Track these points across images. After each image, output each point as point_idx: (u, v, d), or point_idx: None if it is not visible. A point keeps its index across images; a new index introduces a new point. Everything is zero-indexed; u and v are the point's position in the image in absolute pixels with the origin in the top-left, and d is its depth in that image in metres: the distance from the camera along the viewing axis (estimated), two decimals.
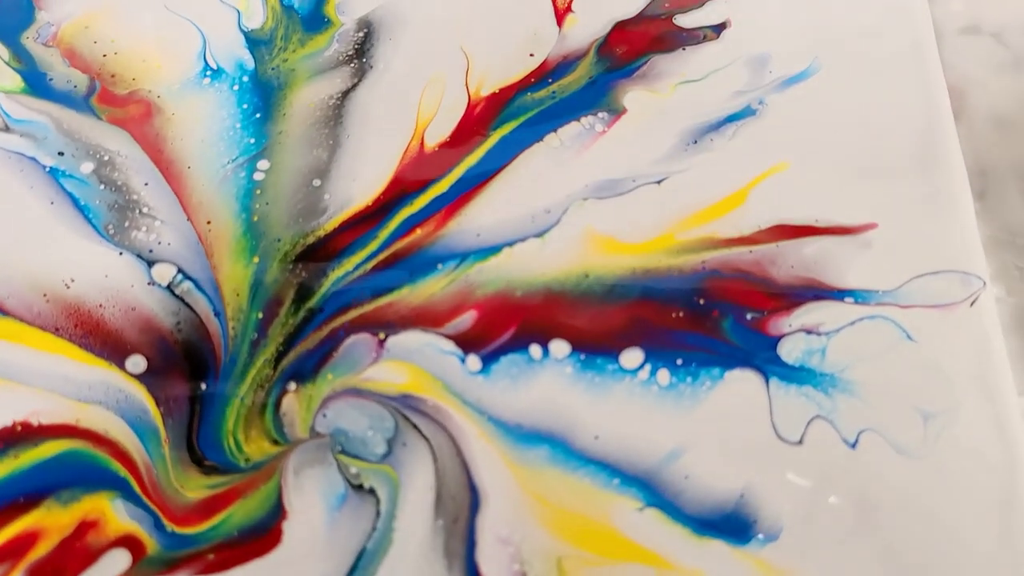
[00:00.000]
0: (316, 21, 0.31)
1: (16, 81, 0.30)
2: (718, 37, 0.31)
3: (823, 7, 0.32)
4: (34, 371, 0.25)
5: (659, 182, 0.28)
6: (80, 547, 0.23)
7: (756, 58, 0.31)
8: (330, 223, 0.27)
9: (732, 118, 0.29)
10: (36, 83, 0.30)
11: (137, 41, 0.31)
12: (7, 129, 0.29)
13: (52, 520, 0.23)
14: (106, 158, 0.28)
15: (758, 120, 0.29)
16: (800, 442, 0.24)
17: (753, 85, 0.30)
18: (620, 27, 0.32)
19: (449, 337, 0.25)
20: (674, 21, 0.32)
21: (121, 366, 0.25)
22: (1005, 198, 0.30)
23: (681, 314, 0.26)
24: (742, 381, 0.25)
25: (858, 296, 0.26)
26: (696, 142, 0.29)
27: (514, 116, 0.29)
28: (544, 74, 0.30)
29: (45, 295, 0.26)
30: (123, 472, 0.23)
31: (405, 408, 0.24)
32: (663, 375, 0.25)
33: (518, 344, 0.25)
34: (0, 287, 0.26)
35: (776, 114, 0.30)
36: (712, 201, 0.28)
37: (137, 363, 0.25)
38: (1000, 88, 0.32)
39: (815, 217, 0.28)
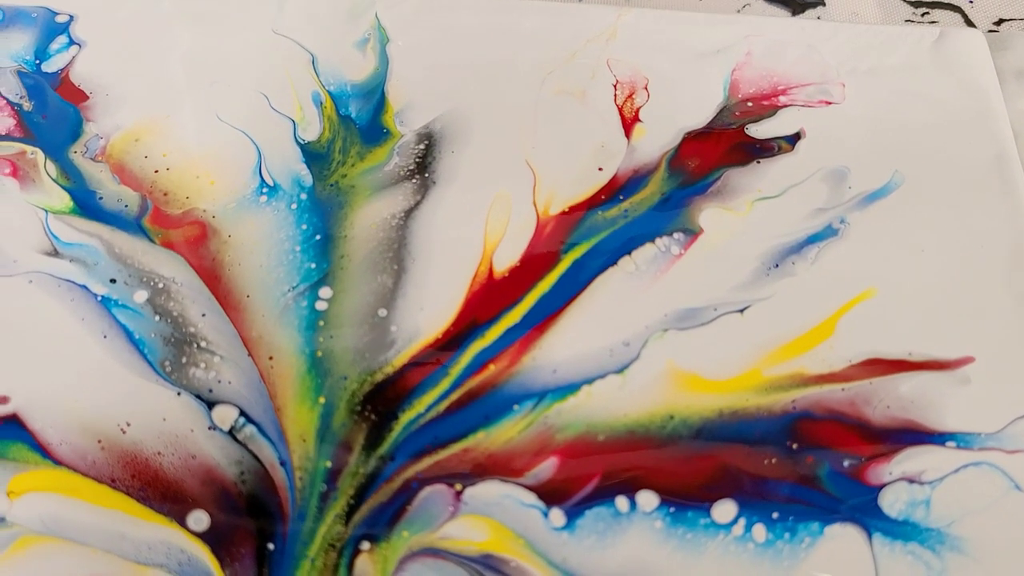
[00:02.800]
0: (375, 132, 0.30)
1: (64, 200, 0.28)
2: (793, 149, 0.30)
3: (899, 117, 0.31)
4: (89, 528, 0.23)
5: (742, 311, 0.27)
6: None
7: (834, 172, 0.29)
8: (398, 358, 0.26)
9: (814, 239, 0.28)
10: (85, 202, 0.28)
11: (189, 155, 0.29)
12: (56, 254, 0.27)
13: None
14: (161, 286, 0.27)
15: (840, 241, 0.28)
16: None
17: (833, 202, 0.29)
18: (691, 138, 0.30)
19: (530, 488, 0.24)
20: (746, 132, 0.30)
21: (182, 523, 0.23)
22: None
23: (774, 460, 0.24)
24: (843, 537, 0.23)
25: (960, 440, 0.25)
26: (778, 266, 0.28)
27: (586, 237, 0.28)
28: (615, 190, 0.29)
29: (100, 441, 0.24)
30: None
31: (487, 570, 0.23)
32: (759, 530, 0.23)
33: (603, 495, 0.24)
34: (52, 432, 0.24)
35: (859, 234, 0.28)
36: (799, 332, 0.26)
37: (200, 519, 0.23)
38: None
39: (908, 350, 0.26)
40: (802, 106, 0.31)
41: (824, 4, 0.39)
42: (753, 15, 0.38)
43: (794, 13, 0.38)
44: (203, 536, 0.23)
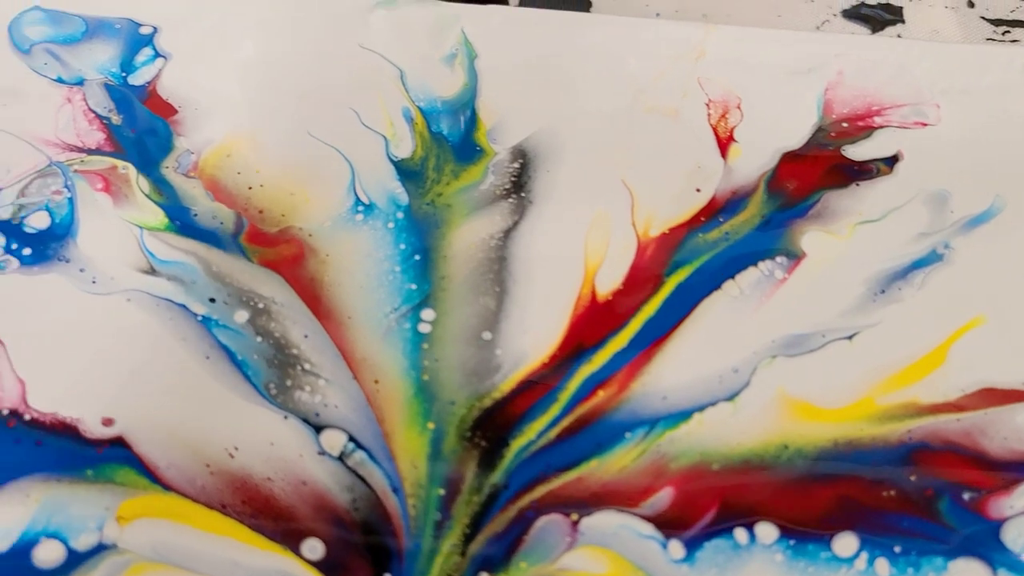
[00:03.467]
0: (468, 150, 0.30)
1: (159, 217, 0.28)
2: (892, 171, 0.30)
3: (997, 139, 0.30)
4: (202, 556, 0.23)
5: (850, 337, 0.26)
6: None
7: (935, 196, 0.29)
8: (506, 383, 0.25)
9: (918, 264, 0.28)
10: (180, 219, 0.28)
11: (282, 171, 0.29)
12: (153, 272, 0.27)
13: None
14: (260, 306, 0.26)
15: (946, 267, 0.28)
16: None
17: (935, 227, 0.28)
18: (788, 160, 0.30)
19: (647, 518, 0.23)
20: (843, 153, 0.30)
21: (296, 551, 0.23)
22: None
23: (892, 492, 0.24)
24: (968, 572, 0.23)
25: None
26: (884, 291, 0.27)
27: (688, 260, 0.28)
28: (714, 212, 0.29)
29: (208, 465, 0.24)
30: None
31: None
32: (882, 565, 0.23)
33: (722, 527, 0.23)
34: (158, 455, 0.24)
35: (964, 260, 0.28)
36: (910, 360, 0.26)
37: (314, 548, 0.23)
38: None
39: (1022, 379, 0.26)
40: (898, 127, 0.31)
41: (903, 21, 0.38)
42: (833, 32, 0.37)
43: (874, 30, 0.38)
44: (318, 565, 0.23)
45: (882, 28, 0.38)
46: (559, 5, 0.38)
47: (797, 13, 0.39)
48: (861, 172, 0.30)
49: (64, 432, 0.24)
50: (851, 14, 0.39)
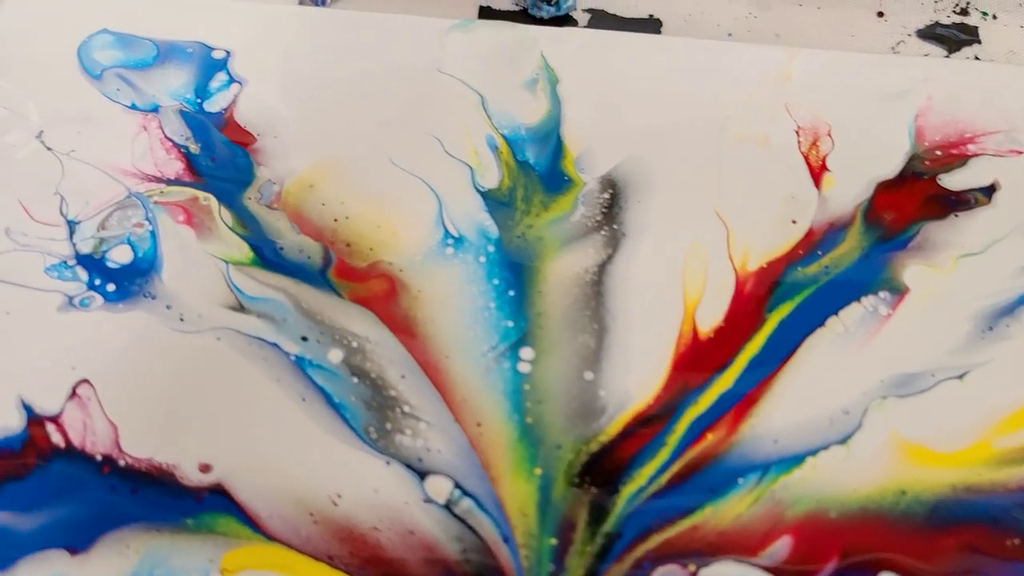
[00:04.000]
0: (556, 180, 0.29)
1: (244, 251, 0.27)
2: (990, 201, 0.29)
3: None
4: None
5: (960, 377, 0.26)
6: None
7: None
8: (611, 426, 0.25)
9: None
10: (266, 253, 0.27)
11: (367, 202, 0.28)
12: (241, 309, 0.26)
13: None
14: (354, 344, 0.25)
15: None
16: None
17: None
18: (883, 189, 0.29)
19: (767, 569, 0.23)
20: (939, 182, 0.29)
21: None
22: None
23: (1017, 542, 0.23)
24: None
25: None
26: (992, 328, 0.26)
27: (789, 296, 0.27)
28: (812, 245, 0.28)
29: (312, 514, 0.23)
30: None
31: None
32: None
33: None
34: (260, 503, 0.23)
35: None
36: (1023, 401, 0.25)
37: None
38: None
39: None
40: (993, 155, 0.30)
41: (980, 41, 0.38)
42: (909, 53, 0.36)
43: (950, 51, 0.37)
44: None
45: (958, 48, 0.37)
46: (629, 26, 0.37)
47: (871, 33, 0.38)
48: (959, 203, 0.29)
49: (160, 479, 0.23)
50: (925, 34, 0.38)
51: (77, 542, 0.23)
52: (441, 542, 0.23)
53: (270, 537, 0.23)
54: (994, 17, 0.38)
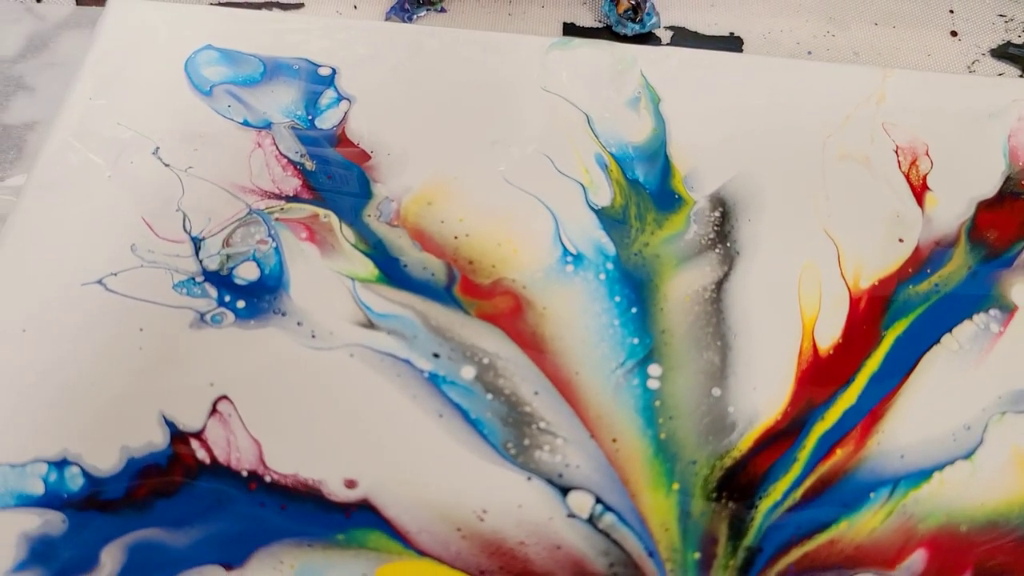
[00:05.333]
0: (667, 198, 0.30)
1: (369, 268, 0.28)
2: None
3: None
4: None
5: None
6: None
7: None
8: (743, 442, 0.25)
9: None
10: (391, 270, 0.28)
11: (485, 220, 0.29)
12: (371, 326, 0.26)
13: None
14: (486, 361, 0.26)
15: None
16: None
17: None
18: (984, 208, 0.30)
19: None
20: None
21: None
22: None
23: None
24: None
25: None
26: None
27: (903, 313, 0.28)
28: (920, 263, 0.29)
29: (459, 530, 0.23)
30: None
31: None
32: None
33: None
34: (408, 519, 0.24)
35: None
36: None
37: None
38: None
39: None
40: None
41: None
42: (984, 72, 0.37)
43: (1023, 71, 0.38)
44: None
45: None
46: (711, 43, 0.38)
47: (946, 52, 0.39)
48: None
49: (308, 495, 0.24)
50: (999, 54, 0.39)
51: (232, 557, 0.23)
52: (589, 557, 0.23)
53: (421, 552, 0.23)
54: None
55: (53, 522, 0.23)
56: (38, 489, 0.24)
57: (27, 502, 0.23)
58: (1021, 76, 0.38)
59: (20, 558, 0.23)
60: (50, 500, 0.23)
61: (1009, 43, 0.39)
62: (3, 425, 0.24)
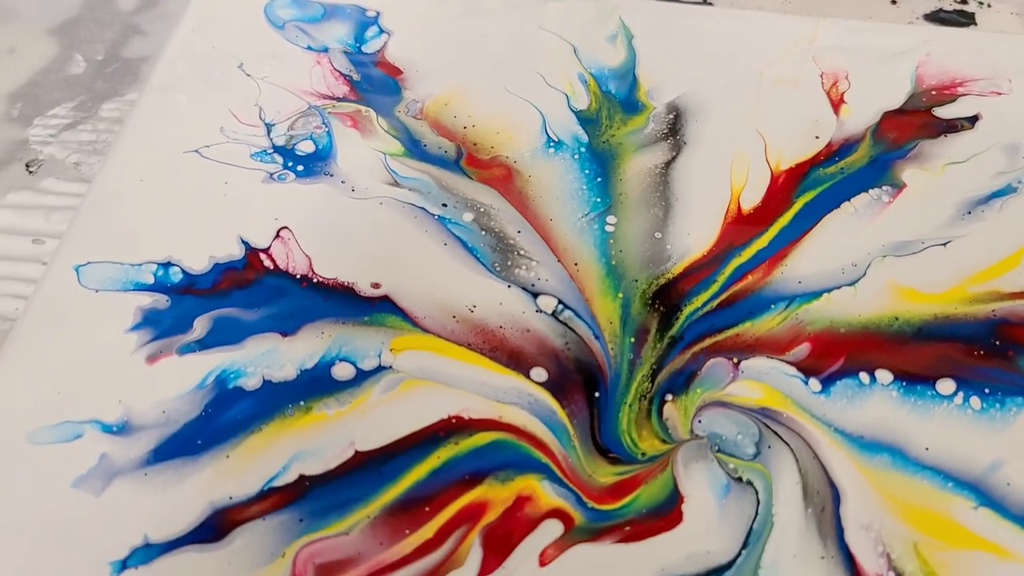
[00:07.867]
0: (632, 105, 0.38)
1: (396, 146, 0.36)
2: (973, 127, 0.37)
3: None
4: (457, 376, 0.30)
5: (944, 244, 0.34)
6: (520, 516, 0.28)
7: (1009, 146, 0.37)
8: (675, 268, 0.33)
9: (997, 194, 0.35)
10: (413, 148, 0.36)
11: (489, 116, 0.37)
12: (397, 185, 0.35)
13: (494, 494, 0.28)
14: (482, 209, 0.34)
15: (1019, 197, 0.35)
16: None
17: (1010, 167, 0.36)
18: (889, 116, 0.38)
19: (791, 363, 0.31)
20: (933, 113, 0.38)
21: (527, 375, 0.30)
22: None
23: (981, 352, 0.31)
24: None
25: None
26: (970, 212, 0.35)
27: (812, 187, 0.35)
28: (831, 154, 0.36)
29: (454, 316, 0.32)
30: (544, 459, 0.29)
31: (765, 418, 0.30)
32: (975, 401, 0.30)
33: (849, 371, 0.31)
34: (417, 308, 0.32)
35: None
36: (991, 262, 0.33)
37: (540, 373, 0.31)
38: None
39: None
40: (977, 95, 0.39)
41: (976, 24, 0.46)
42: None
43: None
44: (544, 385, 0.30)
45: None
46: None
47: (885, 16, 0.47)
48: (948, 127, 0.37)
49: (344, 291, 0.32)
50: (931, 18, 0.47)
51: (286, 328, 0.32)
52: (550, 337, 0.31)
53: (425, 330, 0.32)
54: (988, 5, 0.47)
55: (160, 301, 0.32)
56: (150, 280, 0.33)
57: (142, 287, 0.32)
58: None
59: (137, 321, 0.31)
60: (158, 287, 0.32)
61: (941, 10, 0.47)
62: (127, 237, 0.33)
